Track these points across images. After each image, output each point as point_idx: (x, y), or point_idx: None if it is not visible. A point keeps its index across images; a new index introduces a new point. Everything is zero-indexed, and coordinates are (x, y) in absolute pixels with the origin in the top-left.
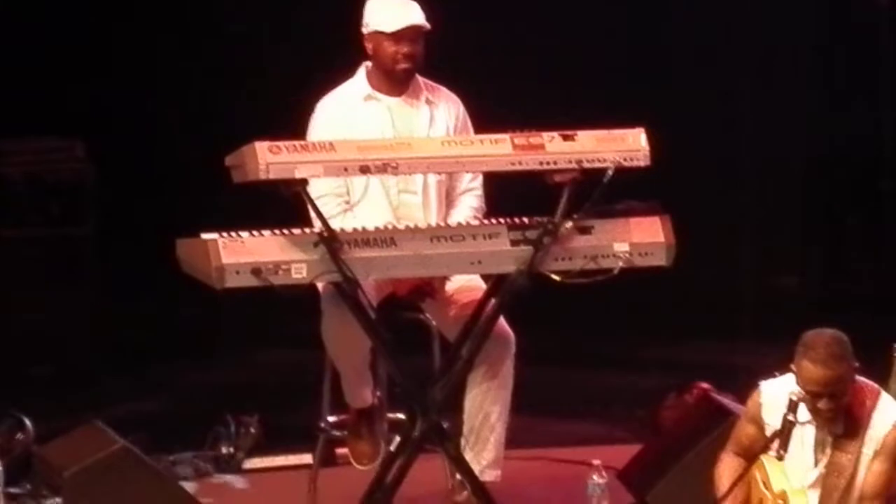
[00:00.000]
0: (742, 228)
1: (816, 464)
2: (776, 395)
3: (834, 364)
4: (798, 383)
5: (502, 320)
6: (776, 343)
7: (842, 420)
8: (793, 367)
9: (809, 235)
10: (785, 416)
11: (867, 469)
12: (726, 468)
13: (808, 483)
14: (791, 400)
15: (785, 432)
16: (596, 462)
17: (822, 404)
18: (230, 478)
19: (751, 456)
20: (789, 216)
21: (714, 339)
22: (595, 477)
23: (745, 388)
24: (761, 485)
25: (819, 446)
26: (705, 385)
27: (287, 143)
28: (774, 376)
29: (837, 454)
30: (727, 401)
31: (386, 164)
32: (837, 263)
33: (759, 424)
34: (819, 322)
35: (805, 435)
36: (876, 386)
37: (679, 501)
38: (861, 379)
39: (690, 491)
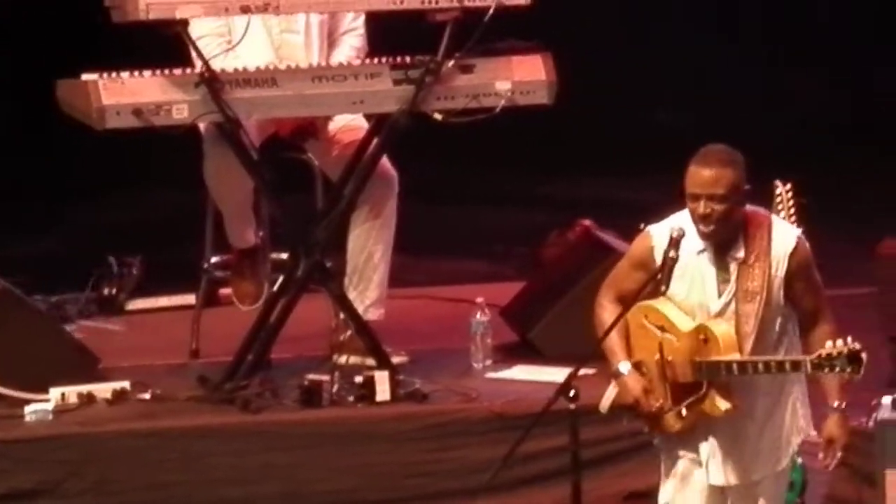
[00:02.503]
0: (629, 65)
1: (721, 294)
2: (666, 233)
3: (718, 166)
4: (686, 190)
5: (385, 160)
6: (660, 179)
7: (742, 243)
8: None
9: (698, 71)
10: (665, 251)
11: (788, 290)
12: (609, 316)
13: (713, 314)
14: (671, 237)
15: (666, 268)
16: (479, 300)
17: (701, 208)
18: (113, 319)
19: (632, 303)
20: (677, 52)
21: (597, 176)
22: (478, 315)
23: (628, 224)
24: (657, 331)
25: (721, 275)
26: (587, 222)
27: None
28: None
29: (744, 280)
30: (609, 237)
31: (267, 3)
32: (728, 98)
33: (650, 268)
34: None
35: (703, 267)
36: (765, 211)
37: (561, 337)
38: (752, 206)
39: (572, 327)
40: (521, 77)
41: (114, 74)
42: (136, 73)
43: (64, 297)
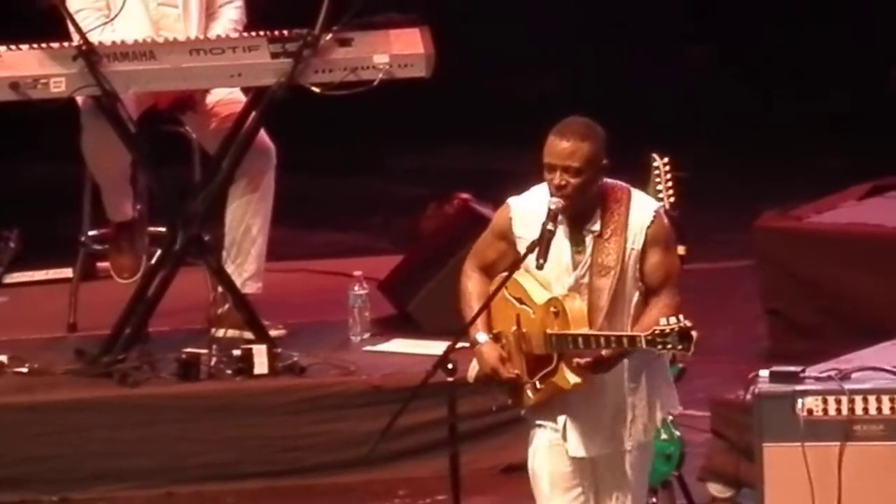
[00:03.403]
0: (500, 33)
1: (576, 267)
2: (526, 208)
3: (575, 138)
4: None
5: (263, 133)
6: (538, 150)
7: (599, 216)
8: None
9: (569, 37)
10: (544, 224)
11: (642, 263)
12: (476, 285)
13: (567, 287)
14: (550, 209)
15: (544, 241)
16: (357, 273)
17: (556, 180)
18: None
19: (495, 273)
20: (549, 20)
21: (473, 147)
22: (356, 288)
23: (506, 197)
24: (515, 302)
25: (575, 248)
26: (465, 195)
27: None
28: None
29: (599, 254)
30: (487, 210)
31: None
32: (600, 65)
33: (510, 239)
34: None
35: (558, 240)
36: (626, 185)
37: (440, 311)
38: (611, 180)
39: (451, 300)
40: (400, 50)
41: None
42: (13, 46)
43: None
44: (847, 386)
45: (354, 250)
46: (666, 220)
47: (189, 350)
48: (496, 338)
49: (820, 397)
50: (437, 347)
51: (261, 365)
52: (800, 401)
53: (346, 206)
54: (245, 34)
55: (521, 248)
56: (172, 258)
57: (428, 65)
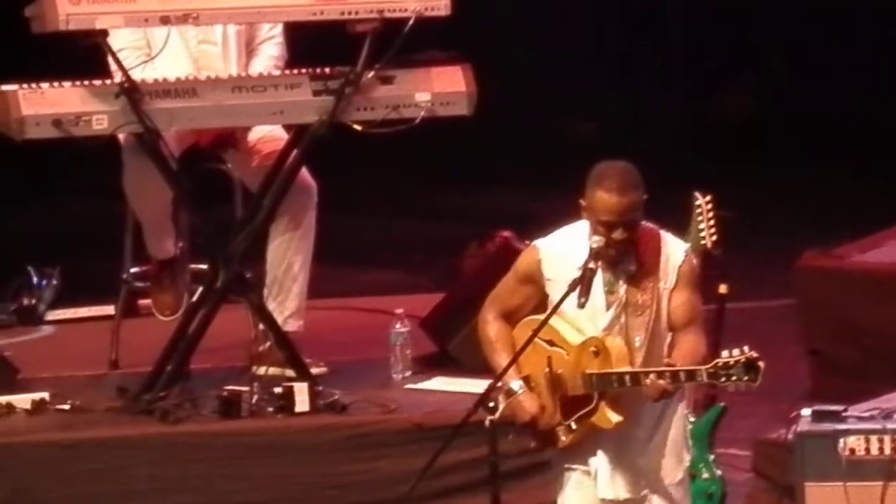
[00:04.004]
0: (540, 75)
1: (609, 307)
2: (556, 250)
3: (628, 191)
4: (590, 217)
5: (304, 170)
6: (577, 190)
7: (634, 257)
8: (582, 202)
9: (606, 82)
10: (585, 263)
11: (669, 302)
12: (499, 332)
13: (601, 327)
14: (591, 248)
15: (586, 280)
16: (398, 311)
17: (616, 234)
18: (32, 329)
19: (517, 318)
20: (586, 63)
21: (513, 187)
22: (398, 326)
23: (547, 235)
24: (545, 345)
25: (609, 288)
26: (507, 233)
27: None
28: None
29: (633, 294)
30: None
31: (186, 14)
32: (633, 110)
33: (538, 283)
34: None
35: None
36: (654, 225)
37: (481, 349)
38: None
39: None
40: (441, 88)
41: (33, 85)
42: (56, 83)
43: None
44: (889, 425)
45: (396, 288)
46: (694, 261)
47: (230, 388)
48: (525, 381)
49: (862, 436)
50: (478, 386)
51: (302, 403)
52: (842, 440)
53: (387, 244)
54: (286, 71)
55: (551, 291)
56: (214, 296)
57: (470, 103)
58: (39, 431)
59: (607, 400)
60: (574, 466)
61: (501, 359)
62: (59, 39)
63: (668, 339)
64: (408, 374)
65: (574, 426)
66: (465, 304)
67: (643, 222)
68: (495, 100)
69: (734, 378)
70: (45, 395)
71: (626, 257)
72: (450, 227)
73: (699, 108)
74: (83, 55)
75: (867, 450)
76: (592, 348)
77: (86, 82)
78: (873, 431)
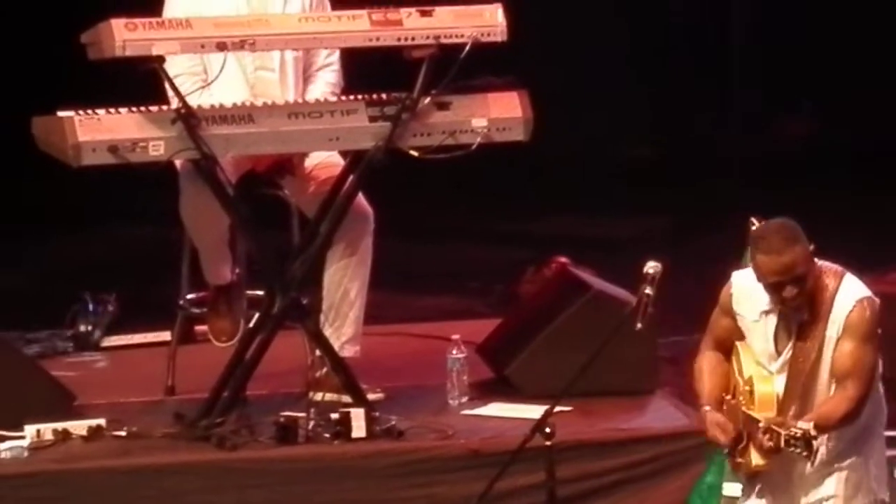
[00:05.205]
0: (594, 100)
1: (780, 353)
2: (744, 284)
3: (787, 249)
4: (759, 280)
5: (361, 196)
6: (633, 215)
7: (808, 306)
8: (751, 266)
9: (661, 104)
10: (641, 288)
11: (835, 350)
12: (705, 362)
13: (774, 370)
14: (646, 273)
15: (642, 306)
16: (455, 337)
17: (786, 293)
18: (89, 356)
19: (728, 348)
20: (641, 86)
21: (570, 212)
22: (455, 351)
23: (603, 261)
24: (736, 372)
25: (782, 334)
26: (564, 259)
27: (143, 20)
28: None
29: (802, 340)
30: (585, 275)
31: (243, 40)
32: (691, 131)
33: (732, 315)
34: (669, 192)
35: (768, 323)
36: (839, 268)
37: (538, 374)
38: (823, 262)
39: (549, 364)
40: (498, 114)
41: (90, 111)
42: (112, 109)
43: (39, 334)
44: None
45: (452, 314)
46: (870, 312)
47: (287, 413)
48: (719, 401)
49: None
50: (535, 412)
51: (359, 429)
52: None
53: (444, 269)
54: (343, 98)
55: (741, 325)
56: (271, 322)
57: (526, 128)
58: (96, 458)
59: (754, 441)
60: (747, 492)
61: (701, 386)
62: (116, 66)
63: (832, 390)
64: (464, 399)
65: (739, 460)
66: (521, 329)
67: (826, 265)
68: (552, 124)
69: (798, 451)
70: (102, 421)
71: (801, 308)
72: (507, 253)
73: (759, 134)
74: (140, 81)
75: None
76: (748, 387)
77: (142, 108)
78: None
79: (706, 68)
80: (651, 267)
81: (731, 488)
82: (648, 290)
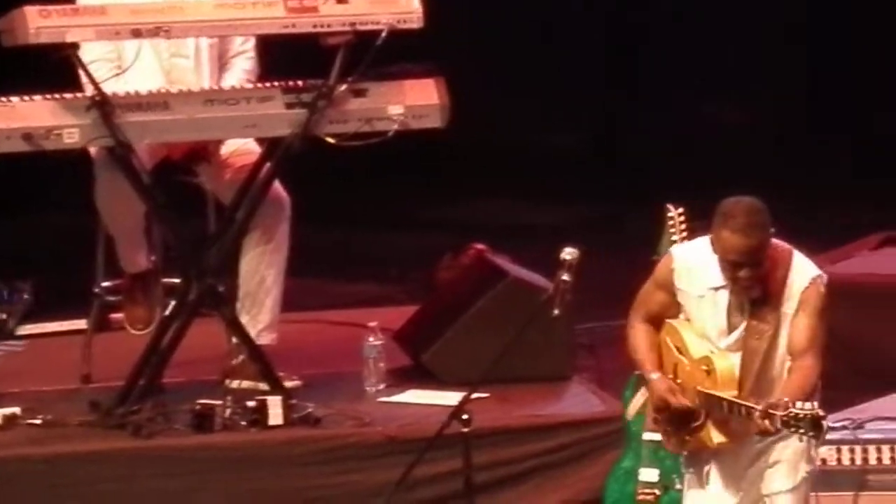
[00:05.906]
0: (517, 87)
1: (732, 329)
2: (688, 259)
3: (754, 233)
4: (716, 252)
5: (277, 184)
6: (554, 202)
7: (760, 285)
8: (710, 236)
9: (586, 93)
10: (558, 275)
11: (791, 326)
12: (641, 335)
13: (725, 346)
14: (563, 259)
15: (559, 292)
16: (372, 324)
17: (742, 273)
18: (3, 344)
19: (659, 322)
20: (564, 74)
21: (488, 199)
22: (371, 338)
23: (521, 248)
24: (675, 351)
25: (734, 311)
26: (481, 246)
27: (57, 7)
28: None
29: (756, 317)
30: (503, 261)
31: (158, 27)
32: (613, 122)
33: (671, 290)
34: (592, 182)
35: (718, 299)
36: (787, 245)
37: (454, 361)
38: (774, 241)
39: (466, 350)
40: (414, 101)
41: (3, 98)
42: (26, 97)
43: None
44: (861, 436)
45: (369, 301)
46: (823, 289)
47: (203, 401)
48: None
49: (834, 447)
50: (452, 398)
51: (276, 416)
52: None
53: (361, 256)
54: (259, 84)
55: (682, 300)
56: (187, 309)
57: (443, 115)
58: (11, 446)
59: (714, 419)
60: (692, 470)
61: (642, 356)
62: (30, 53)
63: (787, 365)
64: (381, 386)
65: (687, 438)
66: (439, 316)
67: (776, 241)
68: (471, 113)
69: (801, 431)
70: (17, 409)
71: (752, 287)
72: (424, 240)
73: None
74: (54, 68)
75: (839, 460)
76: (705, 366)
77: (56, 96)
78: (845, 442)
79: (625, 55)
80: (568, 253)
81: (648, 473)
82: (565, 277)
